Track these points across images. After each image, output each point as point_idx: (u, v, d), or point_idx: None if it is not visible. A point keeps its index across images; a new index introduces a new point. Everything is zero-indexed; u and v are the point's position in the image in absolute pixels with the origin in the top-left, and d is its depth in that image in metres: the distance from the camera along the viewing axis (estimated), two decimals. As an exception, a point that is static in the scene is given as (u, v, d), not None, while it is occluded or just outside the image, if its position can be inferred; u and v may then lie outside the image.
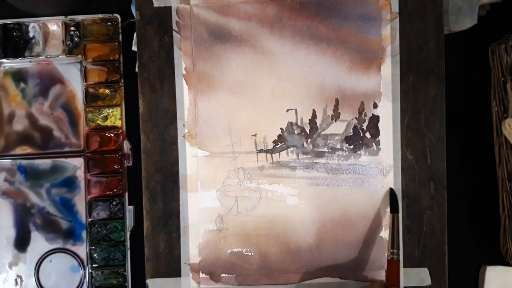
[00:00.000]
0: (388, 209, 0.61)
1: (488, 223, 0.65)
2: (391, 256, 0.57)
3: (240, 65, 0.61)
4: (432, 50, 0.61)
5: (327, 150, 0.62)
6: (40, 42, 0.65)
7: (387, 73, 0.61)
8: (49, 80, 0.66)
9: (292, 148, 0.62)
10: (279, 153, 0.62)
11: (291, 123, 0.61)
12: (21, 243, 0.65)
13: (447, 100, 0.61)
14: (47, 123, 0.66)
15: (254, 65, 0.61)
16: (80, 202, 0.65)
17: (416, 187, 0.61)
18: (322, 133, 0.61)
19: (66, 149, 0.66)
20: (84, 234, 0.65)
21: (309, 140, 0.62)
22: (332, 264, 0.61)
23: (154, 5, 0.61)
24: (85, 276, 0.65)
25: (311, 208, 0.61)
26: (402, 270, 0.60)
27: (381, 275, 0.61)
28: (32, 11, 0.65)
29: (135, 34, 0.62)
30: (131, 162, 0.65)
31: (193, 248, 0.61)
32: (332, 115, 0.61)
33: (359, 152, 0.61)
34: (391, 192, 0.60)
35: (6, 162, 0.65)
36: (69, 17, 0.65)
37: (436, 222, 0.61)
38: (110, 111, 0.65)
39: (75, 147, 0.66)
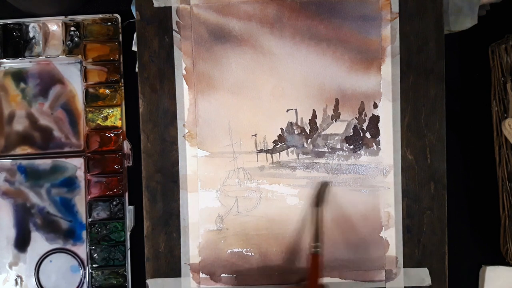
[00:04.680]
0: (388, 209, 0.61)
1: (488, 223, 0.65)
2: (314, 249, 0.57)
3: (240, 65, 0.61)
4: (432, 50, 0.61)
5: (327, 150, 0.62)
6: (40, 42, 0.65)
7: (387, 73, 0.61)
8: (49, 80, 0.66)
9: (292, 148, 0.62)
10: (279, 153, 0.62)
11: (291, 123, 0.61)
12: (21, 243, 0.65)
13: (447, 100, 0.61)
14: (47, 123, 0.66)
15: (254, 65, 0.61)
16: (80, 202, 0.65)
17: (416, 187, 0.61)
18: (322, 133, 0.62)
19: (66, 149, 0.66)
20: (84, 234, 0.65)
21: (309, 140, 0.62)
22: (332, 264, 0.61)
23: (154, 5, 0.61)
24: (85, 276, 0.65)
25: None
26: (405, 270, 0.60)
27: (381, 275, 0.61)
28: (32, 11, 0.65)
29: (135, 34, 0.62)
30: (131, 162, 0.65)
31: (193, 248, 0.61)
32: (332, 115, 0.61)
33: (359, 152, 0.61)
34: (322, 185, 0.60)
35: (6, 162, 0.65)
36: (69, 17, 0.65)
37: (436, 222, 0.61)
38: (110, 111, 0.65)
39: (75, 147, 0.66)
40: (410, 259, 0.61)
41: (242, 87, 0.61)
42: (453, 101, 0.64)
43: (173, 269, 0.61)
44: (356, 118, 0.61)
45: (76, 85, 0.66)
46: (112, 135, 0.65)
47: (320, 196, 0.60)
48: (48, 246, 0.65)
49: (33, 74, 0.66)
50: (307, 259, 0.58)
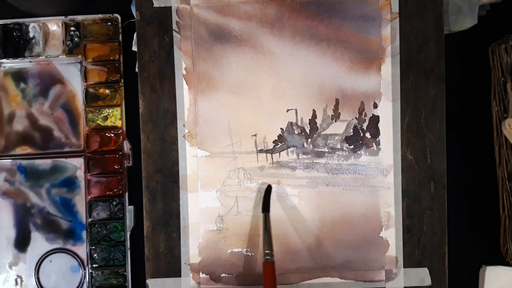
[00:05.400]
0: (388, 209, 0.61)
1: (488, 223, 0.65)
2: (266, 257, 0.57)
3: (240, 65, 0.61)
4: (432, 50, 0.61)
5: (327, 150, 0.62)
6: (40, 42, 0.65)
7: (387, 73, 0.61)
8: (49, 80, 0.66)
9: (292, 148, 0.62)
10: (279, 153, 0.62)
11: (291, 123, 0.61)
12: (21, 243, 0.65)
13: (447, 100, 0.61)
14: (47, 123, 0.66)
15: (254, 65, 0.61)
16: (80, 202, 0.65)
17: (416, 187, 0.61)
18: (322, 133, 0.62)
19: (66, 149, 0.66)
20: (84, 234, 0.65)
21: (309, 140, 0.62)
22: (332, 264, 0.61)
23: (154, 5, 0.61)
24: (85, 276, 0.65)
25: (311, 208, 0.61)
26: (405, 270, 0.60)
27: (381, 275, 0.61)
28: (32, 11, 0.65)
29: (135, 34, 0.62)
30: (131, 162, 0.65)
31: (193, 248, 0.61)
32: (332, 115, 0.61)
33: (359, 152, 0.61)
34: (267, 189, 0.60)
35: (6, 162, 0.65)
36: (69, 17, 0.65)
37: (436, 222, 0.61)
38: (110, 111, 0.65)
39: (75, 147, 0.66)
40: (410, 259, 0.61)
41: (242, 87, 0.61)
42: (453, 101, 0.64)
43: (173, 269, 0.61)
44: (356, 118, 0.61)
45: (76, 85, 0.66)
46: (112, 135, 0.65)
47: (266, 201, 0.59)
48: (48, 246, 0.65)
49: (33, 74, 0.66)
50: (262, 267, 0.58)
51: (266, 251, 0.57)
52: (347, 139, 0.61)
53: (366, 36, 0.61)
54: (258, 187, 0.61)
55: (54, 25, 0.66)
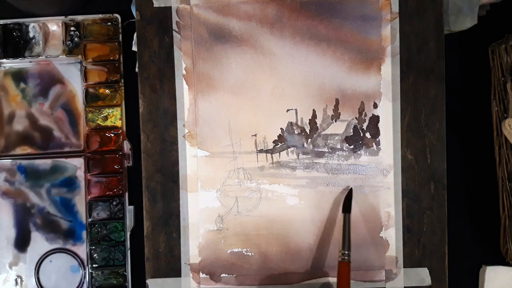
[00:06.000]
0: (388, 209, 0.61)
1: (488, 223, 0.65)
2: (342, 257, 0.57)
3: (240, 65, 0.61)
4: (432, 50, 0.61)
5: (327, 150, 0.62)
6: (40, 42, 0.65)
7: (387, 73, 0.61)
8: (49, 80, 0.66)
9: (292, 148, 0.62)
10: (279, 153, 0.62)
11: (291, 123, 0.61)
12: (21, 243, 0.65)
13: (447, 100, 0.61)
14: (47, 123, 0.66)
15: (254, 65, 0.61)
16: (80, 202, 0.65)
17: (416, 187, 0.61)
18: (322, 133, 0.62)
19: (66, 149, 0.66)
20: (84, 234, 0.65)
21: (309, 140, 0.62)
22: (332, 264, 0.61)
23: (154, 5, 0.61)
24: (85, 276, 0.65)
25: (311, 208, 0.61)
26: (405, 270, 0.61)
27: (381, 275, 0.61)
28: (32, 11, 0.65)
29: (135, 34, 0.62)
30: (131, 162, 0.65)
31: (193, 248, 0.61)
32: (332, 115, 0.61)
33: (359, 152, 0.61)
34: (349, 191, 0.60)
35: (6, 162, 0.65)
36: (69, 17, 0.65)
37: (436, 222, 0.61)
38: (110, 111, 0.65)
39: (75, 147, 0.66)
40: (410, 259, 0.61)
41: (242, 87, 0.61)
42: (453, 101, 0.64)
43: (173, 269, 0.61)
44: (356, 118, 0.61)
45: (76, 85, 0.66)
46: (112, 135, 0.65)
47: (349, 202, 0.59)
48: (48, 246, 0.65)
49: (33, 74, 0.66)
50: (337, 266, 0.58)
51: (344, 251, 0.57)
52: (347, 139, 0.61)
53: (366, 36, 0.61)
54: (257, 188, 0.61)
55: (54, 25, 0.66)
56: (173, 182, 0.61)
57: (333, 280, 0.61)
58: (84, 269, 0.65)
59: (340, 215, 0.61)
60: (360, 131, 0.61)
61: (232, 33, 0.61)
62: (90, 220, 0.65)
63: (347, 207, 0.59)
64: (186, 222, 0.61)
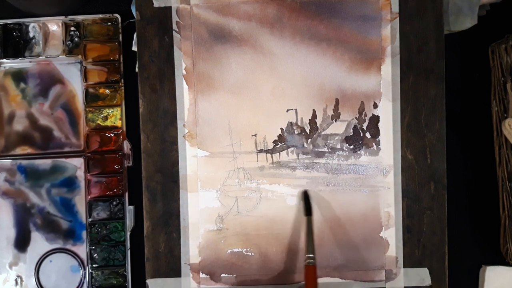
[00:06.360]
0: (388, 209, 0.61)
1: (488, 223, 0.65)
2: (308, 261, 0.57)
3: (240, 65, 0.61)
4: (432, 50, 0.61)
5: (327, 150, 0.62)
6: (40, 42, 0.65)
7: (387, 73, 0.61)
8: (49, 80, 0.66)
9: (292, 148, 0.62)
10: (279, 153, 0.62)
11: (291, 123, 0.61)
12: (21, 243, 0.65)
13: (447, 100, 0.61)
14: (47, 123, 0.66)
15: (254, 65, 0.61)
16: (80, 202, 0.65)
17: (416, 187, 0.61)
18: (322, 133, 0.62)
19: (66, 149, 0.66)
20: (84, 234, 0.65)
21: (309, 140, 0.62)
22: (332, 264, 0.61)
23: (154, 5, 0.61)
24: (85, 276, 0.65)
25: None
26: (405, 270, 0.61)
27: (381, 275, 0.61)
28: (32, 11, 0.65)
29: (135, 34, 0.62)
30: (131, 162, 0.65)
31: (193, 248, 0.61)
32: (332, 115, 0.61)
33: (359, 152, 0.61)
34: (305, 194, 0.60)
35: (6, 162, 0.65)
36: (69, 17, 0.65)
37: (436, 222, 0.61)
38: (110, 111, 0.65)
39: (75, 147, 0.66)
40: (410, 259, 0.61)
41: (242, 87, 0.61)
42: (453, 101, 0.64)
43: (173, 269, 0.61)
44: (356, 118, 0.61)
45: (76, 85, 0.66)
46: (112, 135, 0.65)
47: (308, 204, 0.59)
48: (48, 246, 0.65)
49: (33, 74, 0.66)
50: (304, 271, 0.58)
51: (309, 255, 0.57)
52: (347, 139, 0.61)
53: (366, 36, 0.61)
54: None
55: (54, 25, 0.66)
56: (173, 182, 0.61)
57: (333, 280, 0.61)
58: (84, 269, 0.65)
59: (340, 215, 0.61)
60: (360, 131, 0.61)
61: (232, 33, 0.61)
62: (90, 220, 0.65)
63: (308, 210, 0.59)
64: (186, 222, 0.61)
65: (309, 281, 0.57)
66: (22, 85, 0.66)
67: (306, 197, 0.60)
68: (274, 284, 0.61)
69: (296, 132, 0.62)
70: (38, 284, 0.65)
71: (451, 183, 0.62)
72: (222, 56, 0.61)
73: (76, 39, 0.65)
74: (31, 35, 0.66)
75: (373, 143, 0.61)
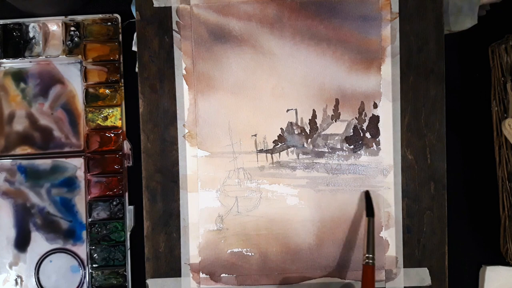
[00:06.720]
0: (388, 209, 0.61)
1: (488, 223, 0.65)
2: (366, 261, 0.57)
3: (240, 65, 0.61)
4: (432, 50, 0.61)
5: (327, 150, 0.62)
6: (40, 42, 0.65)
7: (387, 73, 0.61)
8: (49, 80, 0.66)
9: (292, 148, 0.62)
10: (279, 153, 0.62)
11: (291, 123, 0.61)
12: (21, 243, 0.65)
13: (447, 100, 0.61)
14: (47, 123, 0.66)
15: (254, 65, 0.61)
16: (80, 202, 0.65)
17: (416, 187, 0.61)
18: (322, 133, 0.62)
19: (66, 149, 0.66)
20: (84, 234, 0.65)
21: (309, 140, 0.62)
22: (332, 264, 0.61)
23: (154, 5, 0.61)
24: (85, 276, 0.65)
25: (311, 208, 0.61)
26: (405, 270, 0.61)
27: (381, 275, 0.61)
28: (32, 11, 0.65)
29: (135, 34, 0.62)
30: (131, 162, 0.65)
31: (193, 248, 0.61)
32: (332, 115, 0.61)
33: (359, 152, 0.61)
34: (367, 195, 0.60)
35: (6, 162, 0.65)
36: (69, 17, 0.65)
37: (436, 222, 0.61)
38: (110, 111, 0.65)
39: (75, 147, 0.66)
40: (410, 259, 0.61)
41: (242, 87, 0.61)
42: (453, 101, 0.64)
43: (173, 269, 0.61)
44: (356, 118, 0.61)
45: (76, 85, 0.66)
46: (112, 135, 0.65)
47: (371, 205, 0.59)
48: (48, 246, 0.65)
49: (33, 74, 0.66)
50: (362, 270, 0.57)
51: (368, 255, 0.57)
52: (347, 139, 0.61)
53: (366, 36, 0.61)
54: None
55: (54, 25, 0.66)
56: (173, 182, 0.61)
57: (333, 280, 0.61)
58: (84, 269, 0.65)
59: (339, 215, 0.61)
60: (360, 131, 0.61)
61: (232, 33, 0.61)
62: (90, 220, 0.65)
63: (370, 211, 0.59)
64: (186, 222, 0.61)
65: (367, 281, 0.56)
66: (22, 85, 0.66)
67: (368, 198, 0.60)
68: (274, 284, 0.61)
69: (296, 132, 0.62)
70: (38, 284, 0.65)
71: (451, 183, 0.62)
72: (222, 56, 0.61)
73: (76, 39, 0.65)
74: (31, 35, 0.66)
75: (373, 143, 0.61)
